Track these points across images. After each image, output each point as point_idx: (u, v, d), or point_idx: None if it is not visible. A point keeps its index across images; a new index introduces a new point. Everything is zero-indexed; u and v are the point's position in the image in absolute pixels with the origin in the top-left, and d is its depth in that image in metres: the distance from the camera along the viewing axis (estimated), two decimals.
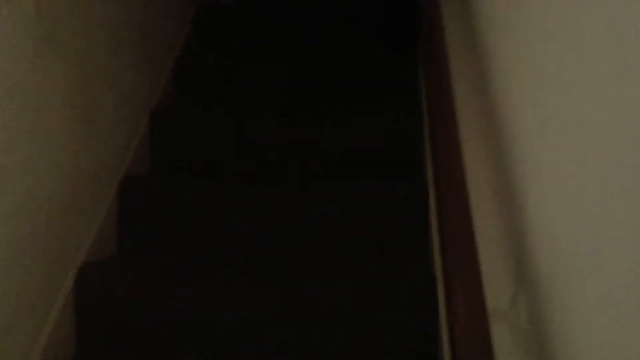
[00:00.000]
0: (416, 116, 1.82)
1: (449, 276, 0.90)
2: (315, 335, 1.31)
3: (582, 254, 0.58)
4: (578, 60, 0.63)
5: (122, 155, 1.67)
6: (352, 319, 1.32)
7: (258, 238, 1.55)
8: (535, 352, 0.68)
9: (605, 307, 0.51)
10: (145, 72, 1.84)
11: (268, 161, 1.80)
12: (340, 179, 1.76)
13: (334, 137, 1.82)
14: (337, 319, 1.32)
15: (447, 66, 1.34)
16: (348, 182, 1.73)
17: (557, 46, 0.70)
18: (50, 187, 1.28)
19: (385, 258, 1.51)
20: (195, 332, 1.34)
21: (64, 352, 1.36)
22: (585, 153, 0.59)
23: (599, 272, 0.53)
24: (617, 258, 0.50)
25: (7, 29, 1.09)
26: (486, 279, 0.86)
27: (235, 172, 1.79)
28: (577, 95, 0.62)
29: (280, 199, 1.58)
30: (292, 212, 1.57)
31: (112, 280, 1.42)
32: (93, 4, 1.45)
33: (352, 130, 1.82)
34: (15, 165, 1.14)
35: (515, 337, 0.76)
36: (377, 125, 1.82)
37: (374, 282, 1.39)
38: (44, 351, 1.27)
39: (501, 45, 0.99)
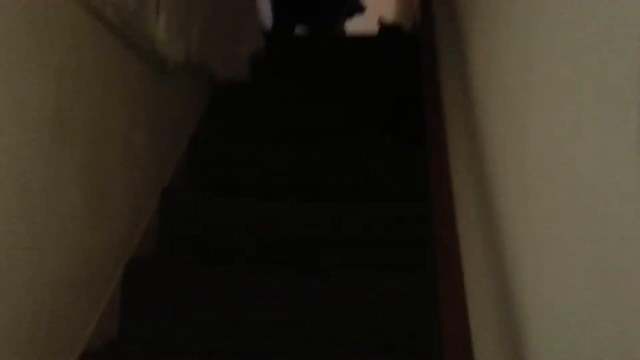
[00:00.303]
0: (425, 201, 1.81)
1: None
2: None
3: None
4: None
5: (130, 235, 1.68)
6: None
7: (261, 329, 1.52)
8: None
9: None
10: (158, 152, 1.88)
11: (276, 245, 1.79)
12: (350, 266, 1.74)
13: (346, 221, 1.81)
14: None
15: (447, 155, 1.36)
16: (358, 270, 1.71)
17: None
18: (56, 270, 1.27)
19: (395, 354, 1.46)
20: None
21: None
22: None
23: None
24: None
25: (26, 120, 1.12)
26: None
27: (244, 255, 1.78)
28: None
29: (291, 288, 1.56)
30: (301, 301, 1.54)
31: None
32: (110, 91, 1.50)
33: (364, 215, 1.82)
34: (23, 250, 1.14)
35: None
36: (387, 210, 1.81)
37: None
38: None
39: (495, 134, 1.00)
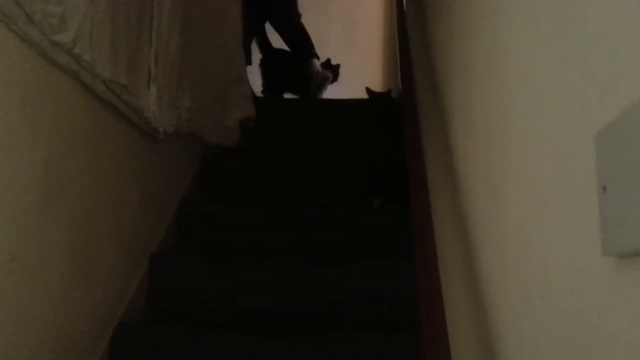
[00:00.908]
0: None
1: None
2: None
3: None
4: None
5: (118, 301, 1.68)
6: None
7: None
8: None
9: None
10: (148, 219, 1.90)
11: (267, 313, 1.79)
12: (339, 329, 1.73)
13: (335, 286, 1.82)
14: None
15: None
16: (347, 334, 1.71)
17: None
18: (40, 337, 1.27)
19: None
20: None
21: None
22: None
23: None
24: None
25: (15, 189, 1.15)
26: None
27: (231, 324, 1.77)
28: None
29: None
30: None
31: None
32: (100, 160, 1.53)
33: (353, 282, 1.82)
34: (8, 319, 1.14)
35: None
36: (376, 278, 1.82)
37: None
38: None
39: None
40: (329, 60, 3.34)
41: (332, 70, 3.35)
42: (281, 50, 3.41)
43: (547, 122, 0.64)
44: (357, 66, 3.77)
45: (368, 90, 2.71)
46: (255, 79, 3.24)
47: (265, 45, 3.38)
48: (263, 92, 3.35)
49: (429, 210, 1.45)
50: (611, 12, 0.46)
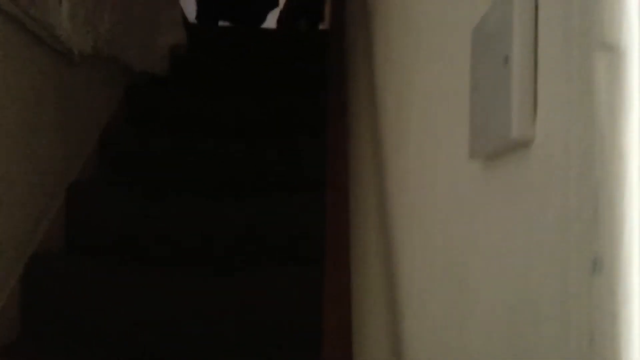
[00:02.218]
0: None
1: None
2: None
3: None
4: None
5: (32, 231, 1.61)
6: None
7: (162, 328, 1.49)
8: None
9: None
10: (66, 146, 1.80)
11: (186, 245, 1.76)
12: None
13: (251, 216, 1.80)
14: None
15: None
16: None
17: None
18: None
19: None
20: None
21: None
22: None
23: None
24: None
25: None
26: None
27: (151, 255, 1.74)
28: None
29: (191, 289, 1.53)
30: (203, 302, 1.52)
31: None
32: (7, 85, 1.43)
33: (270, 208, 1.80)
34: None
35: None
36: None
37: None
38: None
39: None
40: None
41: None
42: None
43: (436, 19, 0.62)
44: None
45: None
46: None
47: None
48: (197, 18, 3.20)
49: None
50: None
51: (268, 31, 3.16)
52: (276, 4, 3.18)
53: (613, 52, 0.28)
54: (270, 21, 3.37)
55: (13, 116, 1.46)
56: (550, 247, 0.33)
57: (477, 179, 0.45)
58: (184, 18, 2.77)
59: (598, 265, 0.27)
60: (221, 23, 3.26)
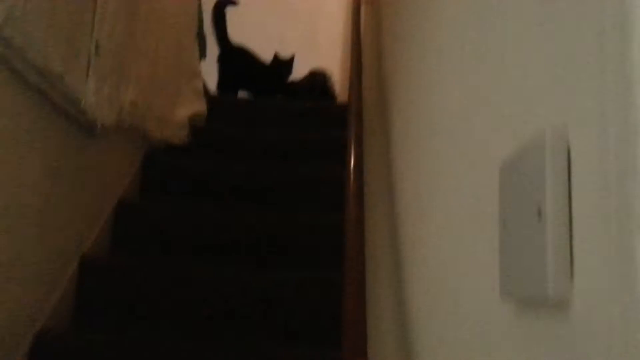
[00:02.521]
0: None
1: None
2: None
3: None
4: None
5: (41, 307, 1.58)
6: None
7: None
8: None
9: None
10: (80, 218, 1.80)
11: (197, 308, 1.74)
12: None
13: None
14: None
15: None
16: None
17: None
18: None
19: None
20: None
21: None
22: None
23: None
24: None
25: None
26: None
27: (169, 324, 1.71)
28: None
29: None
30: None
31: None
32: (29, 150, 1.45)
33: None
34: None
35: None
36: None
37: None
38: None
39: None
40: (276, 55, 3.27)
41: (285, 66, 3.28)
42: (241, 47, 3.30)
43: (462, 150, 0.62)
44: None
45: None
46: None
47: (223, 38, 3.25)
48: (218, 88, 3.26)
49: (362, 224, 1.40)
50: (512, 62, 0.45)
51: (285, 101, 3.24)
52: (291, 72, 3.28)
53: None
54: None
55: (29, 190, 1.47)
56: None
57: (510, 323, 0.44)
58: (205, 88, 2.84)
59: None
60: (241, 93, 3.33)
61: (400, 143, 1.19)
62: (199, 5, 2.81)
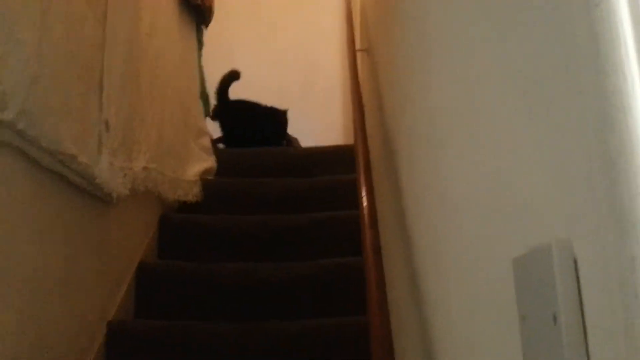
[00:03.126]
0: None
1: None
2: None
3: None
4: None
5: None
6: None
7: None
8: None
9: None
10: (103, 286, 1.84)
11: None
12: None
13: None
14: None
15: None
16: None
17: None
18: None
19: None
20: None
21: None
22: None
23: None
24: None
25: None
26: None
27: None
28: None
29: None
30: None
31: None
32: (48, 233, 1.49)
33: None
34: None
35: None
36: None
37: None
38: None
39: None
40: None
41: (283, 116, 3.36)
42: (239, 101, 3.35)
43: (473, 242, 0.65)
44: (316, 115, 3.80)
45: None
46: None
47: (221, 93, 3.31)
48: (224, 143, 3.32)
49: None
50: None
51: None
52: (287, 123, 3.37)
53: None
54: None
55: (53, 264, 1.51)
56: None
57: None
58: (213, 144, 2.90)
59: None
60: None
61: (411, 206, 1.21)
62: (200, 67, 2.88)
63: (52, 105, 1.44)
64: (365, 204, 1.62)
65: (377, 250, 1.38)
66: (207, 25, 2.97)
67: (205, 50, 3.01)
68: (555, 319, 0.39)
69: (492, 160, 0.57)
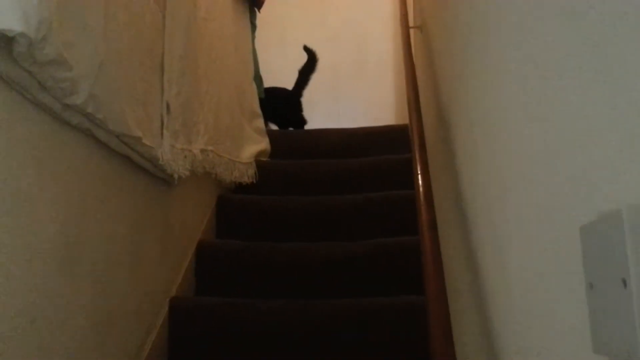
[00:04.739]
0: None
1: None
2: None
3: None
4: None
5: (139, 350, 1.70)
6: None
7: None
8: None
9: None
10: (167, 263, 1.92)
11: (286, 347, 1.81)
12: None
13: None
14: None
15: None
16: None
17: None
18: None
19: None
20: None
21: None
22: None
23: None
24: None
25: (33, 253, 1.17)
26: None
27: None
28: None
29: None
30: None
31: None
32: (116, 210, 1.56)
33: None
34: None
35: None
36: None
37: None
38: None
39: None
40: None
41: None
42: (274, 89, 3.45)
43: (540, 207, 0.65)
44: (368, 93, 3.79)
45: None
46: None
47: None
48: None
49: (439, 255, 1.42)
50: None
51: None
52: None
53: None
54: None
55: (120, 242, 1.58)
56: None
57: None
58: (266, 126, 2.95)
59: None
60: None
61: (468, 182, 1.21)
62: (254, 50, 2.92)
63: (118, 89, 1.50)
64: (420, 181, 1.62)
65: (434, 226, 1.38)
66: (259, 8, 3.00)
67: (257, 32, 3.05)
68: (625, 283, 0.39)
69: (560, 126, 0.57)
